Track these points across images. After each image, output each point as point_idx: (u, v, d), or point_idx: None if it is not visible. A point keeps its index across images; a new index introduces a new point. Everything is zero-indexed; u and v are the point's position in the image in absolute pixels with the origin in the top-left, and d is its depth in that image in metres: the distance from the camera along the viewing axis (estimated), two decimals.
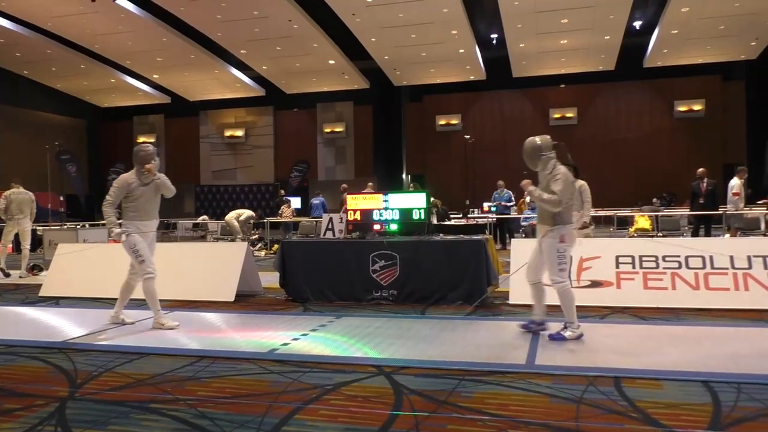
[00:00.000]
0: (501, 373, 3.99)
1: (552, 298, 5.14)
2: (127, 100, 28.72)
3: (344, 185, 16.29)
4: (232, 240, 14.75)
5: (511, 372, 4.02)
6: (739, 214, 12.05)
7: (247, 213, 15.66)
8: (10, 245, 11.51)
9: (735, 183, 12.11)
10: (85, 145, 29.51)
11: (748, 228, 12.31)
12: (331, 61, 22.92)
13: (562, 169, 5.01)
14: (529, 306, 6.40)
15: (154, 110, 29.38)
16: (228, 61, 23.91)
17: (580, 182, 9.26)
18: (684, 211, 14.80)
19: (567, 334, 4.89)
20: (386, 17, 18.59)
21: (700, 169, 12.99)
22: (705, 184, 12.70)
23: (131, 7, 18.80)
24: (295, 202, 21.93)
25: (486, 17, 20.44)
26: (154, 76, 25.50)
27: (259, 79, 25.75)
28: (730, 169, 22.49)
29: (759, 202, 14.85)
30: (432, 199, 16.26)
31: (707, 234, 12.50)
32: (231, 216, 15.50)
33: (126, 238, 5.63)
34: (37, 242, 15.31)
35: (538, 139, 5.17)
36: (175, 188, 6.14)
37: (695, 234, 12.76)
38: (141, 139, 29.89)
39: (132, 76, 25.75)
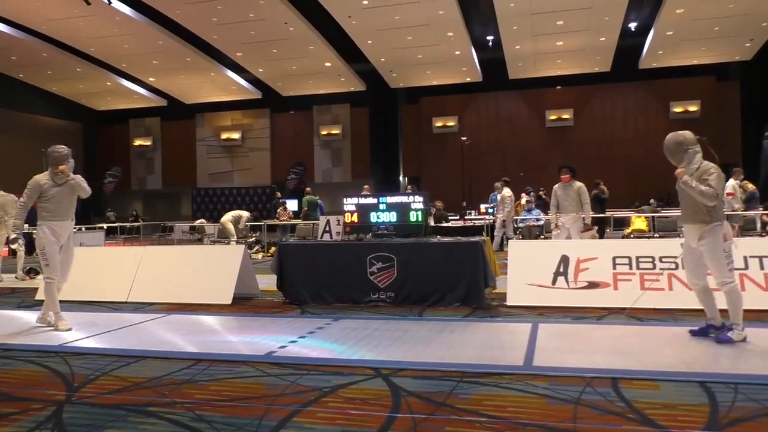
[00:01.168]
0: (498, 375, 3.99)
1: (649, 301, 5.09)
2: (123, 103, 28.72)
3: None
4: (228, 243, 14.71)
5: (509, 373, 4.02)
6: (736, 214, 12.09)
7: (245, 216, 15.60)
8: (5, 250, 11.42)
9: (729, 183, 12.14)
10: (81, 148, 29.42)
11: (744, 228, 12.35)
12: (328, 64, 22.95)
13: (712, 164, 4.80)
14: (525, 308, 6.44)
15: (150, 113, 29.38)
16: (224, 64, 23.92)
17: (579, 183, 9.26)
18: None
19: (734, 336, 4.69)
20: (382, 19, 18.63)
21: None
22: None
23: (127, 10, 18.81)
24: (292, 205, 21.91)
25: (482, 19, 20.50)
26: (150, 79, 25.49)
27: (255, 81, 25.76)
28: (725, 169, 22.52)
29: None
30: (438, 203, 16.38)
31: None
32: (226, 218, 15.42)
33: (19, 246, 5.88)
34: (32, 246, 15.27)
35: (683, 134, 4.94)
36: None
37: None
38: (137, 142, 29.88)
39: (128, 79, 25.75)
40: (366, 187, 16.78)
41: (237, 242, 14.80)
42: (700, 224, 4.73)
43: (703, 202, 4.66)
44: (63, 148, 6.04)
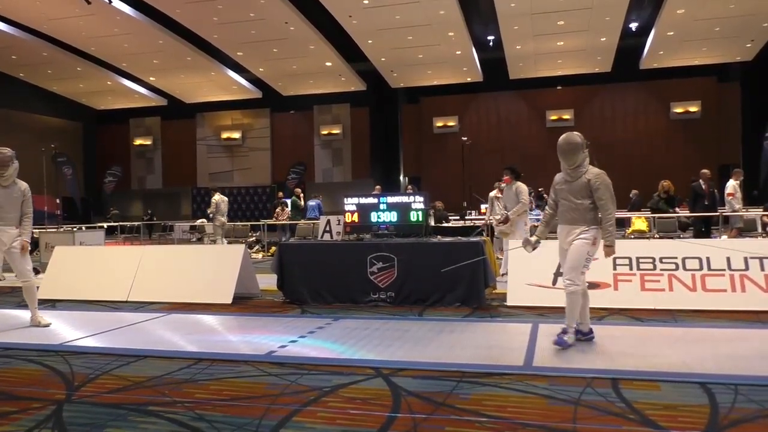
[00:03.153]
0: (499, 375, 3.99)
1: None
2: (123, 103, 28.71)
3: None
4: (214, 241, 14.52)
5: (509, 373, 4.02)
6: (737, 214, 12.09)
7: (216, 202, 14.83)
8: None
9: (729, 184, 12.15)
10: (81, 147, 29.47)
11: (746, 229, 12.35)
12: (328, 63, 22.94)
13: (598, 169, 4.92)
14: (525, 308, 6.44)
15: (150, 113, 29.37)
16: (224, 63, 23.91)
17: (518, 184, 9.14)
18: (685, 213, 14.81)
19: (567, 338, 4.68)
20: (383, 19, 18.62)
21: (704, 170, 12.99)
22: (707, 186, 12.74)
23: (127, 9, 18.80)
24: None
25: (482, 19, 20.49)
26: (151, 78, 25.49)
27: (255, 81, 25.75)
28: (725, 170, 22.56)
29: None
30: (438, 203, 16.37)
31: (707, 235, 12.53)
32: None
33: None
34: (33, 245, 15.25)
35: (577, 134, 5.01)
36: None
37: (698, 235, 12.76)
38: (137, 142, 29.88)
39: (128, 79, 25.74)
40: (378, 187, 16.90)
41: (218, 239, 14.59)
42: (579, 226, 4.80)
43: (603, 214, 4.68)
44: (6, 151, 5.99)
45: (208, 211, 15.22)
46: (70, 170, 25.55)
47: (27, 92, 25.83)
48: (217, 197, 14.78)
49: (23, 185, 6.05)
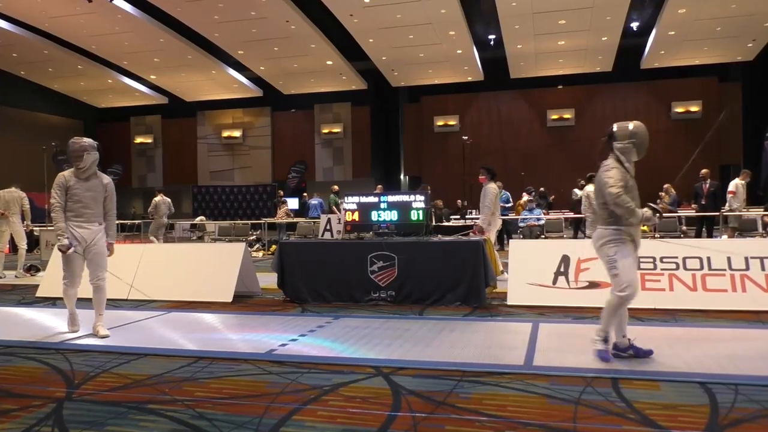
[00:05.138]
0: (499, 374, 3.99)
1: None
2: (124, 101, 28.70)
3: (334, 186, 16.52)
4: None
5: (509, 373, 4.02)
6: (734, 214, 12.09)
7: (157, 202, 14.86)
8: (7, 247, 11.43)
9: (733, 183, 12.17)
10: None
11: (745, 229, 12.34)
12: (329, 62, 22.93)
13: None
14: (526, 307, 6.44)
15: (151, 111, 29.36)
16: (225, 62, 23.90)
17: (489, 185, 8.90)
18: (687, 212, 14.85)
19: None
20: (384, 18, 18.61)
21: (704, 170, 13.01)
22: (707, 185, 12.75)
23: (128, 7, 18.79)
24: (293, 203, 21.94)
25: (483, 18, 20.48)
26: (152, 76, 25.49)
27: (256, 79, 25.75)
28: (726, 170, 22.59)
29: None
30: (438, 201, 16.37)
31: (708, 235, 12.54)
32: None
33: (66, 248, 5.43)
34: (33, 243, 15.28)
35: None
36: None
37: (698, 235, 12.78)
38: (138, 140, 29.88)
39: (129, 77, 25.74)
40: (379, 187, 16.86)
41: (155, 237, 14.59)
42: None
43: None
44: (84, 140, 5.61)
45: (148, 211, 15.32)
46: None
47: (28, 90, 25.83)
48: (158, 198, 14.95)
49: (105, 179, 5.65)
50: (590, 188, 11.00)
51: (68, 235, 5.40)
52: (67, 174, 5.55)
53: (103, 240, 5.57)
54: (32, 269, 10.91)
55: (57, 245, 5.45)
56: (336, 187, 17.16)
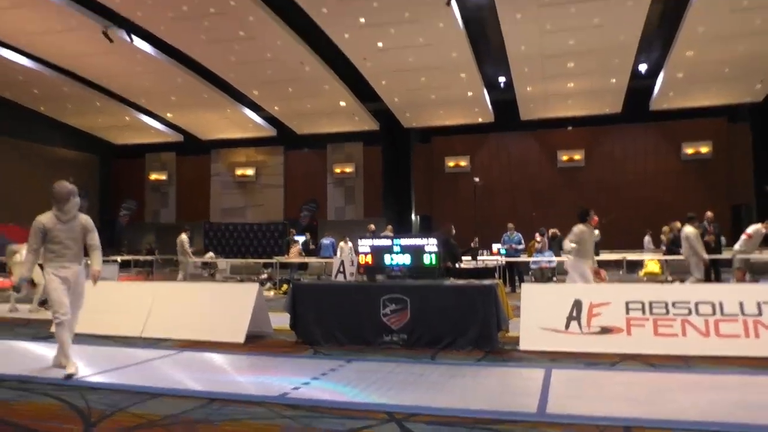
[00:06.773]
0: (512, 422, 4.00)
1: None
2: (140, 138, 29.18)
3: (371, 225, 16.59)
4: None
5: (522, 421, 4.02)
6: (743, 256, 11.97)
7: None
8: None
9: (753, 227, 11.97)
10: (97, 180, 29.90)
11: (757, 272, 12.23)
12: (342, 103, 23.30)
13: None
14: (538, 352, 6.42)
15: (166, 148, 29.80)
16: (240, 102, 24.35)
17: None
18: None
19: None
20: (396, 61, 18.99)
21: (709, 213, 13.02)
22: (712, 228, 12.74)
23: (147, 47, 19.31)
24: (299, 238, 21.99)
25: (494, 61, 20.81)
26: (168, 114, 25.97)
27: (270, 119, 26.16)
28: (737, 210, 22.53)
29: None
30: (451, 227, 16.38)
31: (717, 278, 12.46)
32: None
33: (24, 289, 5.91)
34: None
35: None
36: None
37: (707, 277, 12.69)
38: (153, 176, 30.29)
39: (146, 114, 26.24)
40: (389, 227, 16.89)
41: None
42: None
43: None
44: (67, 184, 5.83)
45: (185, 249, 15.39)
46: (86, 202, 25.86)
47: (46, 125, 26.37)
48: (185, 236, 15.20)
49: (83, 218, 5.88)
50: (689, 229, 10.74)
51: (25, 277, 5.91)
52: (43, 218, 5.79)
53: (83, 279, 5.89)
54: (45, 304, 10.98)
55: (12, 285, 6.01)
56: (372, 226, 17.22)
